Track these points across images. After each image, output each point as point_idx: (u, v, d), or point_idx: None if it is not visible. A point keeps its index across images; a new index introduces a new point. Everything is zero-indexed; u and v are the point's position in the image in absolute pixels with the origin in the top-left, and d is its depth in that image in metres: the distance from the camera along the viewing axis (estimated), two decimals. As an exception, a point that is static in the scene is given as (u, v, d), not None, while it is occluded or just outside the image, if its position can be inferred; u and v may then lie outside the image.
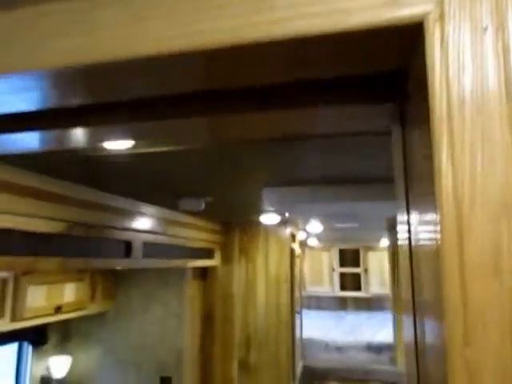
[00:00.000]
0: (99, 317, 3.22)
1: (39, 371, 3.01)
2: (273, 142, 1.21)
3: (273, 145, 1.28)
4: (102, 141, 0.81)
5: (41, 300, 2.52)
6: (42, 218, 1.47)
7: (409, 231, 0.60)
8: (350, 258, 5.83)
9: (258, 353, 3.23)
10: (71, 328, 3.26)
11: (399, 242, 0.66)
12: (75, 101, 0.63)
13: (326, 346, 3.76)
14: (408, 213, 0.60)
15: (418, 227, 0.54)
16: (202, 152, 1.33)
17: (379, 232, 4.03)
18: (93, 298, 3.02)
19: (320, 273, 5.76)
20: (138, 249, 2.10)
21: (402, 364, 3.50)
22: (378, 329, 4.24)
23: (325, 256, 5.83)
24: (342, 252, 5.83)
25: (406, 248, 0.59)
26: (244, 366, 3.25)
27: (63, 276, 2.73)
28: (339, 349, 3.74)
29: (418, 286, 0.55)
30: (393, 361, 3.61)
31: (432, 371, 0.49)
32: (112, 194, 1.86)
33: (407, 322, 0.58)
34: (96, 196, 1.77)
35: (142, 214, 2.14)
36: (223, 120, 0.70)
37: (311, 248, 5.60)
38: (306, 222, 3.33)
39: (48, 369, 3.05)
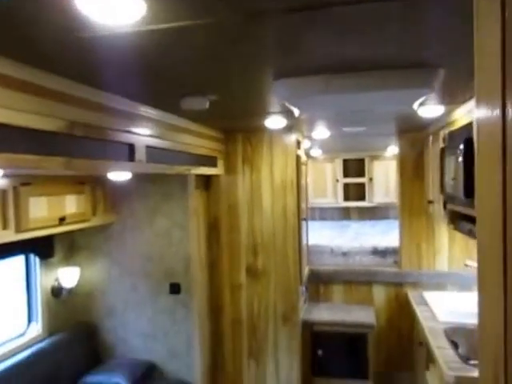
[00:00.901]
0: (105, 231, 3.23)
1: (49, 282, 3.07)
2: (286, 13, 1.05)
3: (283, 26, 1.12)
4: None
5: (43, 211, 2.48)
6: (42, 115, 1.37)
7: (503, 117, 0.50)
8: (354, 168, 5.76)
9: (266, 259, 3.27)
10: (78, 241, 3.28)
11: (477, 136, 0.57)
12: None
13: (332, 252, 3.82)
14: (504, 93, 0.50)
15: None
16: (207, 43, 1.17)
17: (386, 139, 3.90)
18: (95, 210, 3.01)
19: (323, 184, 5.72)
20: (141, 152, 2.00)
21: (406, 266, 3.58)
22: (383, 235, 4.30)
23: (328, 167, 5.76)
24: (345, 163, 5.74)
25: (496, 137, 0.50)
26: (251, 271, 3.30)
27: (63, 188, 2.68)
28: (345, 254, 3.80)
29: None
30: (397, 263, 3.67)
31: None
32: (112, 94, 1.72)
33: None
34: (96, 96, 1.64)
35: (143, 117, 2.01)
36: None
37: (314, 160, 5.51)
38: (312, 127, 3.18)
39: (57, 280, 3.10)
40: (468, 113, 2.18)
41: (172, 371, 3.16)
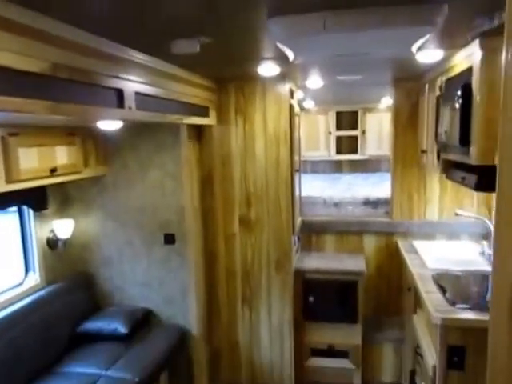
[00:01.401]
0: (98, 183, 3.22)
1: (44, 234, 3.08)
2: None
3: None
4: None
5: (34, 162, 2.45)
6: (24, 55, 1.31)
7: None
8: (347, 120, 5.72)
9: (259, 209, 3.30)
10: (71, 194, 3.28)
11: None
12: None
13: (324, 203, 3.85)
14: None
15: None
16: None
17: (381, 89, 3.85)
18: (86, 162, 2.98)
19: (316, 137, 5.70)
20: (130, 99, 1.95)
21: (397, 216, 3.63)
22: (375, 187, 4.33)
23: (321, 120, 5.71)
24: (338, 115, 5.69)
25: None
26: (245, 221, 3.33)
27: (53, 139, 2.63)
28: (337, 204, 3.83)
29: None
30: (388, 214, 3.73)
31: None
32: (98, 37, 1.64)
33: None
34: (81, 37, 1.56)
35: (132, 62, 1.93)
36: None
37: (307, 112, 5.44)
38: (306, 76, 3.12)
39: (53, 231, 3.11)
40: (467, 57, 2.14)
41: (168, 317, 3.25)
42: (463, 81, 2.14)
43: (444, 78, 2.61)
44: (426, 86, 3.12)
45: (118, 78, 1.84)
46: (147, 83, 2.12)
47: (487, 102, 1.94)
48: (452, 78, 2.44)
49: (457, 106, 2.17)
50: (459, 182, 2.41)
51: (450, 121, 2.35)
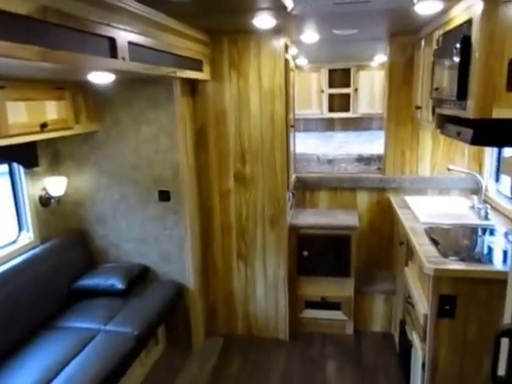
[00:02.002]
0: (90, 140, 3.18)
1: (36, 192, 3.05)
2: None
3: None
4: None
5: (23, 117, 2.40)
6: None
7: None
8: (339, 78, 5.63)
9: (254, 165, 3.29)
10: (62, 151, 3.23)
11: None
12: None
13: (318, 160, 3.86)
14: None
15: None
16: None
17: (376, 44, 3.77)
18: (77, 118, 2.93)
19: (308, 95, 5.62)
20: (123, 49, 1.88)
21: (390, 172, 3.66)
22: (367, 145, 4.34)
23: (313, 77, 5.61)
24: (331, 73, 5.60)
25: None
26: (240, 178, 3.33)
27: (41, 93, 2.57)
28: (330, 161, 3.84)
29: None
30: (381, 170, 3.75)
31: None
32: None
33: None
34: None
35: (124, 9, 1.85)
36: None
37: (300, 70, 5.35)
38: (301, 30, 3.04)
39: (45, 189, 3.08)
40: (467, 9, 2.09)
41: (165, 273, 3.30)
42: (462, 33, 2.10)
43: (441, 32, 2.56)
44: (423, 40, 3.07)
45: (110, 26, 1.78)
46: (140, 33, 2.05)
47: (487, 54, 1.92)
48: (450, 31, 2.40)
49: (455, 59, 2.14)
50: (454, 136, 2.42)
51: (446, 75, 2.33)
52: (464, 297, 2.18)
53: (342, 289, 3.52)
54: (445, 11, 2.41)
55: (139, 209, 3.22)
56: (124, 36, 1.90)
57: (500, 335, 1.30)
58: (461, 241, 2.67)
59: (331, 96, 5.66)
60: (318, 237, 3.47)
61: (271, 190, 3.31)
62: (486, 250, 2.54)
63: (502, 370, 1.34)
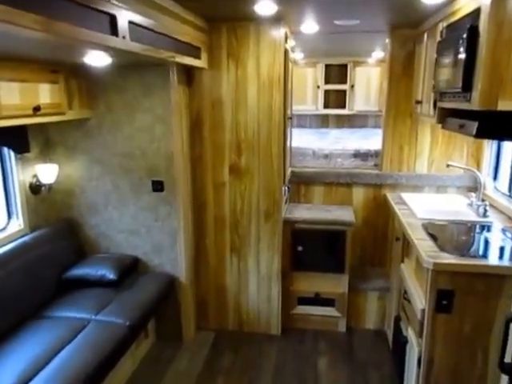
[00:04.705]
0: (82, 127, 3.10)
1: (27, 179, 2.97)
2: None
3: None
4: None
5: (15, 98, 2.33)
6: None
7: None
8: (335, 74, 5.60)
9: (249, 157, 3.23)
10: (53, 137, 3.15)
11: None
12: None
13: (314, 154, 3.80)
14: None
15: None
16: None
17: (376, 38, 3.74)
18: (70, 103, 2.86)
19: (303, 91, 5.59)
20: (123, 27, 1.82)
21: (387, 168, 3.63)
22: (362, 141, 4.30)
23: (309, 73, 5.58)
24: (327, 68, 5.57)
25: None
26: (235, 170, 3.27)
27: (35, 75, 2.49)
28: (326, 156, 3.79)
29: None
30: (378, 166, 3.72)
31: None
32: None
33: None
34: None
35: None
36: None
37: (295, 64, 5.30)
38: (302, 19, 2.99)
39: (36, 176, 3.00)
40: (474, -1, 2.06)
41: (156, 265, 3.23)
42: (469, 23, 2.07)
43: (445, 24, 2.54)
44: (425, 34, 3.04)
45: (111, 3, 1.71)
46: (141, 13, 1.99)
47: (494, 45, 1.89)
48: (455, 22, 2.37)
49: (461, 49, 2.11)
50: (456, 130, 2.39)
51: (450, 67, 2.29)
52: (461, 291, 2.16)
53: (335, 285, 3.48)
54: (450, 1, 2.38)
55: (132, 199, 3.15)
56: (125, 14, 1.84)
57: (510, 320, 1.26)
58: (459, 237, 2.65)
59: (326, 92, 5.63)
60: (312, 232, 3.42)
61: (267, 183, 3.26)
62: (483, 246, 2.53)
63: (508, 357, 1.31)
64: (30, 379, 2.02)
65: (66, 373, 2.08)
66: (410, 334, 2.53)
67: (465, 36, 2.04)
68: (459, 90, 2.12)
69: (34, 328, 2.44)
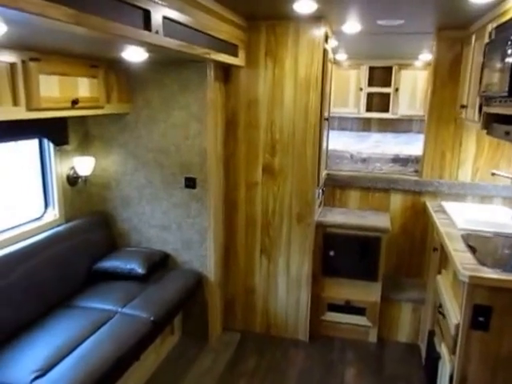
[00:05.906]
0: (119, 121, 3.15)
1: (64, 170, 3.05)
2: None
3: None
4: None
5: (55, 91, 2.39)
6: None
7: None
8: (379, 77, 5.46)
9: (283, 157, 3.17)
10: (92, 131, 3.22)
11: None
12: None
13: (351, 158, 3.70)
14: None
15: None
16: None
17: (422, 40, 3.59)
18: (109, 98, 2.90)
19: (346, 93, 5.48)
20: (157, 22, 1.82)
21: (427, 175, 3.47)
22: (404, 146, 4.14)
23: (352, 75, 5.47)
24: (371, 70, 5.43)
25: None
26: (268, 170, 3.23)
27: (75, 69, 2.55)
28: (364, 160, 3.67)
29: None
30: (418, 172, 3.56)
31: None
32: None
33: None
34: None
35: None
36: None
37: (338, 65, 5.20)
38: (343, 18, 2.90)
39: (73, 168, 3.08)
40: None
41: (185, 262, 3.24)
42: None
43: (494, 25, 2.39)
44: (473, 35, 2.88)
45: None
46: (176, 9, 1.98)
47: (548, 45, 1.75)
48: (505, 22, 2.23)
49: (509, 52, 1.98)
50: (502, 137, 2.24)
51: (498, 70, 2.15)
52: (500, 308, 2.02)
53: (367, 293, 3.36)
54: (499, 2, 2.24)
55: (164, 194, 3.17)
56: (159, 10, 1.84)
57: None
58: (501, 250, 2.48)
59: (369, 95, 5.49)
60: (346, 237, 3.32)
61: (300, 185, 3.19)
62: (529, 263, 2.35)
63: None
64: (54, 366, 2.06)
65: (88, 362, 2.10)
66: (443, 349, 2.40)
67: (514, 36, 1.91)
68: (506, 94, 1.98)
69: (62, 316, 2.49)
